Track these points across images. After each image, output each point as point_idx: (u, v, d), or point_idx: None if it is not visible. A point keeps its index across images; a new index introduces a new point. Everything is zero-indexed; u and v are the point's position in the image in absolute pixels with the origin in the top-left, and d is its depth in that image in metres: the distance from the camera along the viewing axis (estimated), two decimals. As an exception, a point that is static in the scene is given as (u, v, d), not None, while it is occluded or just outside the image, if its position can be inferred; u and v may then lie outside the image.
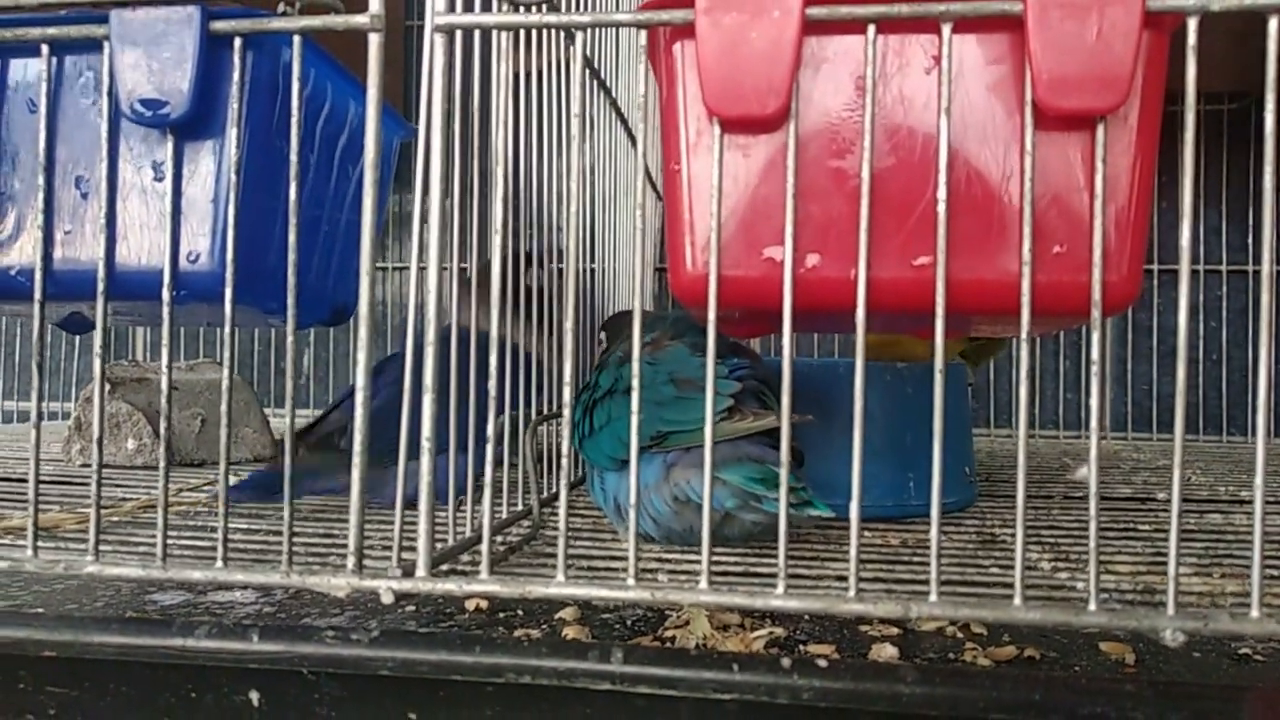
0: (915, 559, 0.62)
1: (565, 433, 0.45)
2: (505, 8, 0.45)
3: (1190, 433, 1.45)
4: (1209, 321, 1.48)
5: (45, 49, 0.47)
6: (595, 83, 0.89)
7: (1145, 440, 1.44)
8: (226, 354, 0.46)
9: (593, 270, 1.05)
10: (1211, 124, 1.46)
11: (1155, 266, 1.45)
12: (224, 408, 0.46)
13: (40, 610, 0.52)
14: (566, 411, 0.47)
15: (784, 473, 0.42)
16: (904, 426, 0.75)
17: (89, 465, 0.95)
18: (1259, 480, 0.40)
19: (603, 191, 0.98)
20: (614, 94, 0.96)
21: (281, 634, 0.44)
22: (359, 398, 0.45)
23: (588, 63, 0.81)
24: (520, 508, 0.66)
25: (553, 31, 0.70)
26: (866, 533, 0.70)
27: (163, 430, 0.46)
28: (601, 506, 0.66)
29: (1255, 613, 0.40)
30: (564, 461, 0.44)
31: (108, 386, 0.95)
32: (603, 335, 0.79)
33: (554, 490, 0.75)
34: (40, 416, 0.48)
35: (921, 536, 0.69)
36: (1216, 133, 1.46)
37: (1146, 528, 0.74)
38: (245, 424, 1.02)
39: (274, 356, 1.60)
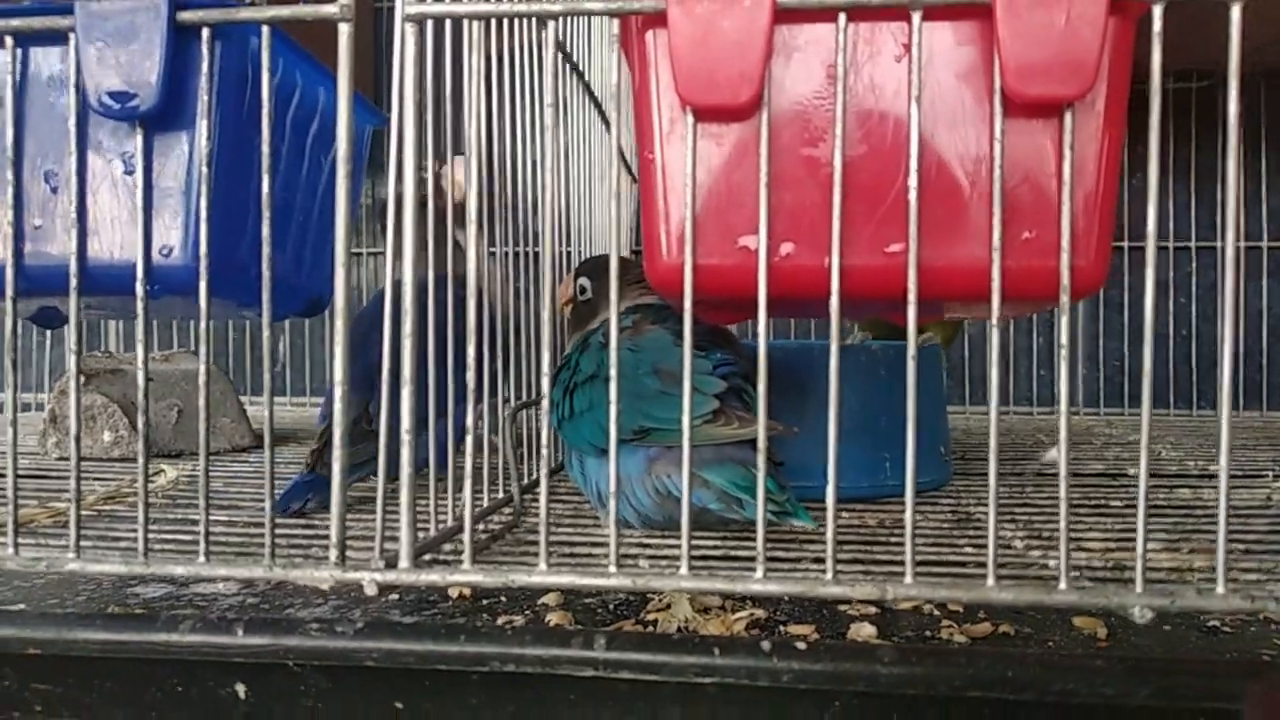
0: (892, 539, 0.63)
1: (545, 422, 0.46)
2: (476, -3, 0.45)
3: (1160, 407, 1.47)
4: (1178, 297, 1.50)
5: (9, 41, 0.47)
6: (568, 66, 0.89)
7: (1117, 415, 1.47)
8: (203, 349, 0.46)
9: (568, 253, 1.05)
10: (1180, 102, 1.48)
11: (1126, 244, 1.47)
12: (202, 402, 0.46)
13: (22, 605, 0.52)
14: (546, 401, 0.47)
15: (761, 461, 0.43)
16: (879, 408, 0.76)
17: (65, 459, 0.95)
18: (1223, 461, 0.41)
19: (577, 174, 0.98)
20: (587, 76, 0.96)
21: (266, 627, 0.45)
22: (337, 392, 0.45)
23: (560, 48, 0.80)
24: (501, 495, 0.66)
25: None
26: (844, 514, 0.70)
27: (141, 426, 0.46)
28: (581, 488, 0.67)
29: (1221, 589, 0.41)
30: (544, 451, 0.45)
31: (82, 379, 0.94)
32: (585, 282, 0.75)
33: (535, 476, 0.76)
34: (16, 414, 0.48)
35: (898, 516, 0.70)
36: (1185, 110, 1.47)
37: (1118, 504, 0.76)
38: (222, 414, 1.02)
39: (250, 345, 1.59)
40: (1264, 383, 1.46)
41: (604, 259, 0.78)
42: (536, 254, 0.77)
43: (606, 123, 1.03)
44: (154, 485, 0.79)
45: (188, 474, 0.86)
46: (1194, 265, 1.50)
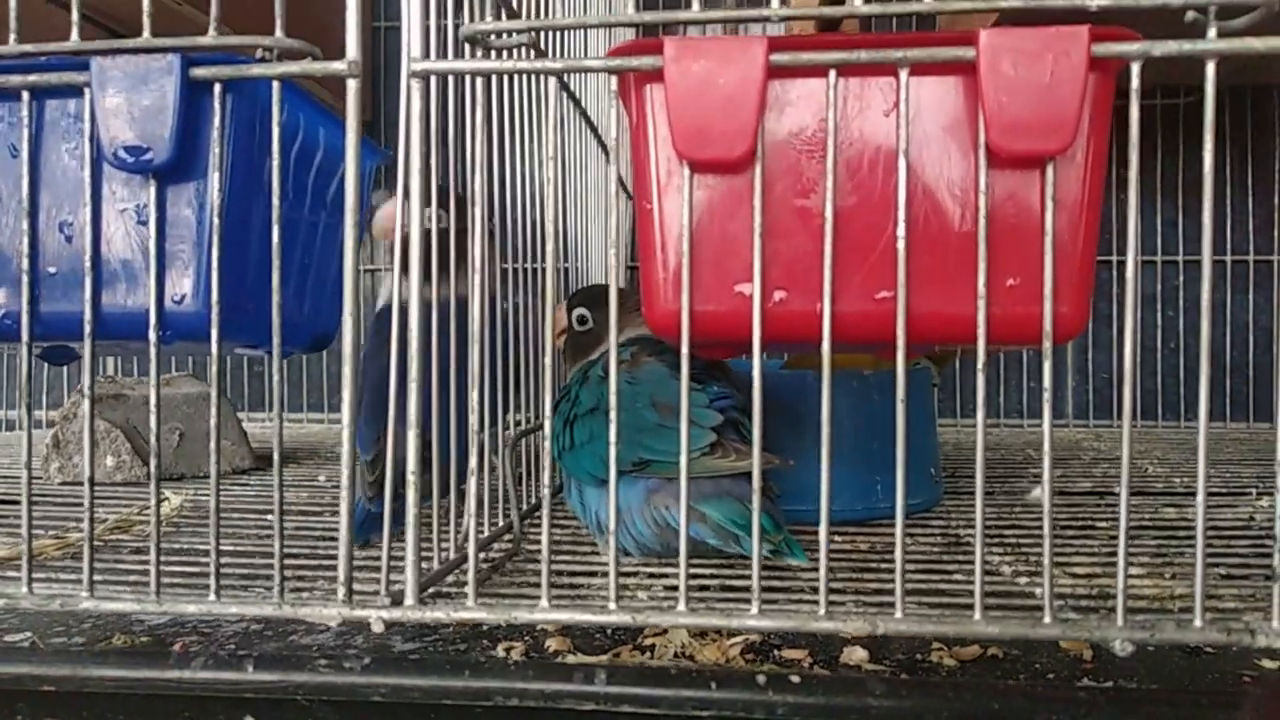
0: (883, 565, 0.64)
1: (547, 452, 0.47)
2: (480, 54, 0.47)
3: (1148, 419, 1.49)
4: (1166, 310, 1.52)
5: (26, 95, 0.48)
6: (565, 94, 0.91)
7: (1106, 428, 1.49)
8: (215, 392, 0.47)
9: (565, 269, 1.07)
10: (1167, 116, 1.50)
11: (1114, 258, 1.49)
12: (213, 445, 0.47)
13: (27, 633, 0.53)
14: (547, 425, 0.49)
15: (756, 502, 0.45)
16: (871, 432, 0.77)
17: (69, 484, 0.96)
18: (1200, 497, 0.43)
19: (572, 189, 0.99)
20: (583, 102, 0.98)
21: (276, 663, 0.46)
22: (345, 434, 0.47)
23: (563, 85, 0.82)
24: (501, 523, 0.68)
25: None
26: (836, 538, 0.72)
27: (153, 469, 0.47)
28: (581, 517, 0.68)
29: (1198, 621, 0.43)
30: (545, 491, 0.46)
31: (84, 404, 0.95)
32: (584, 312, 0.75)
33: (533, 501, 0.77)
34: (29, 456, 0.49)
35: (889, 540, 0.71)
36: (1172, 125, 1.49)
37: (1104, 524, 0.77)
38: (222, 436, 1.02)
39: (247, 361, 1.60)
40: (1250, 395, 1.48)
41: (600, 288, 0.79)
42: (532, 270, 0.79)
43: (601, 143, 1.04)
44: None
45: (191, 500, 0.87)
46: (1181, 279, 1.52)
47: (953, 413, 1.53)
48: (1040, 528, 0.75)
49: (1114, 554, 0.66)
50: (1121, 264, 1.49)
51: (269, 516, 0.82)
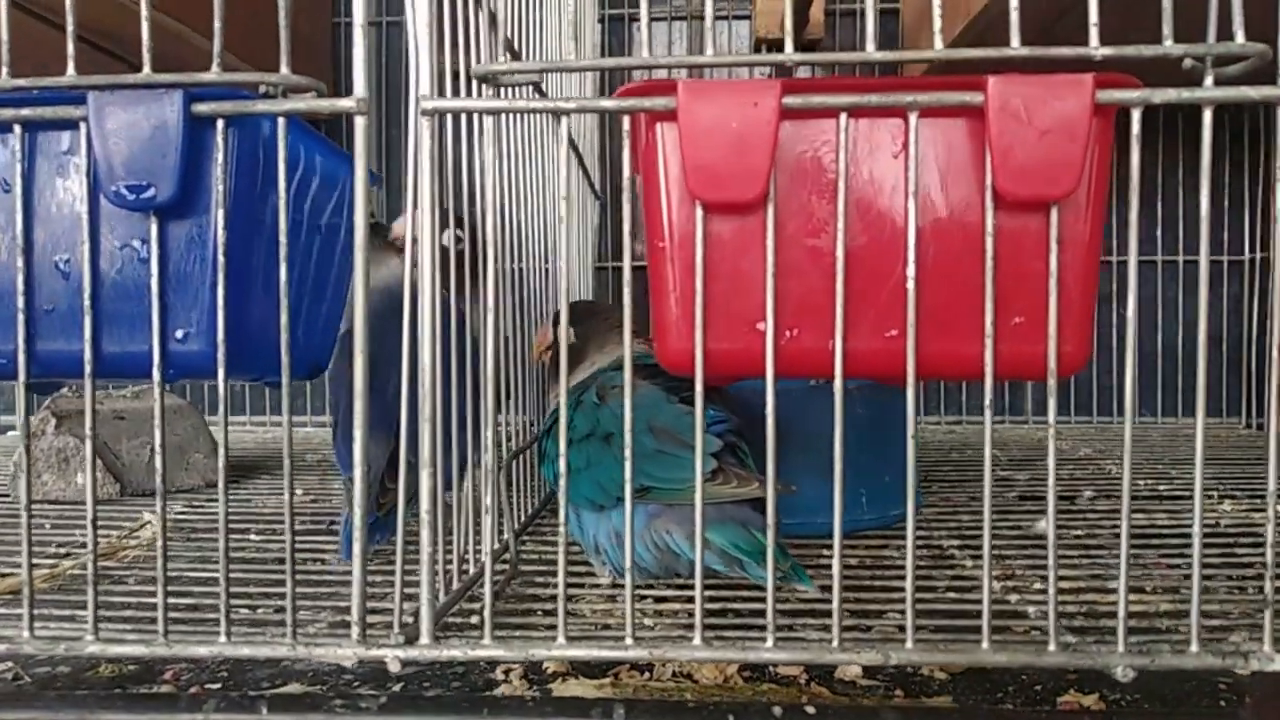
0: (875, 581, 0.65)
1: (561, 498, 0.47)
2: (489, 92, 0.46)
3: (1104, 415, 1.54)
4: (1120, 309, 1.56)
5: (19, 129, 0.47)
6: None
7: (1064, 424, 1.52)
8: (223, 432, 0.47)
9: (545, 270, 1.07)
10: (1122, 121, 1.53)
11: (1072, 258, 1.52)
12: (220, 483, 0.47)
13: (9, 664, 0.52)
14: (563, 463, 0.49)
15: (771, 536, 0.45)
16: (857, 446, 0.78)
17: (37, 502, 0.93)
18: (1196, 526, 0.44)
19: (547, 192, 0.99)
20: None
21: (291, 705, 0.46)
22: (357, 473, 0.46)
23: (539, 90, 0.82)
24: (495, 546, 0.68)
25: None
26: (824, 551, 0.73)
27: (159, 508, 0.47)
28: (578, 540, 0.68)
29: (1194, 646, 0.44)
30: (563, 529, 0.46)
31: (54, 421, 0.93)
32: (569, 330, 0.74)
33: (523, 520, 0.77)
34: (29, 495, 0.48)
35: (877, 555, 0.73)
36: (1125, 131, 1.53)
37: (1079, 532, 0.80)
38: (195, 449, 1.01)
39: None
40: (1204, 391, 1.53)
41: (585, 304, 0.80)
42: (513, 270, 0.78)
43: (577, 152, 1.04)
44: (142, 539, 0.79)
45: (172, 520, 0.85)
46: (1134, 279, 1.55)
47: (917, 410, 1.56)
48: (1016, 532, 0.78)
49: (1093, 566, 0.69)
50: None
51: (251, 535, 0.81)
